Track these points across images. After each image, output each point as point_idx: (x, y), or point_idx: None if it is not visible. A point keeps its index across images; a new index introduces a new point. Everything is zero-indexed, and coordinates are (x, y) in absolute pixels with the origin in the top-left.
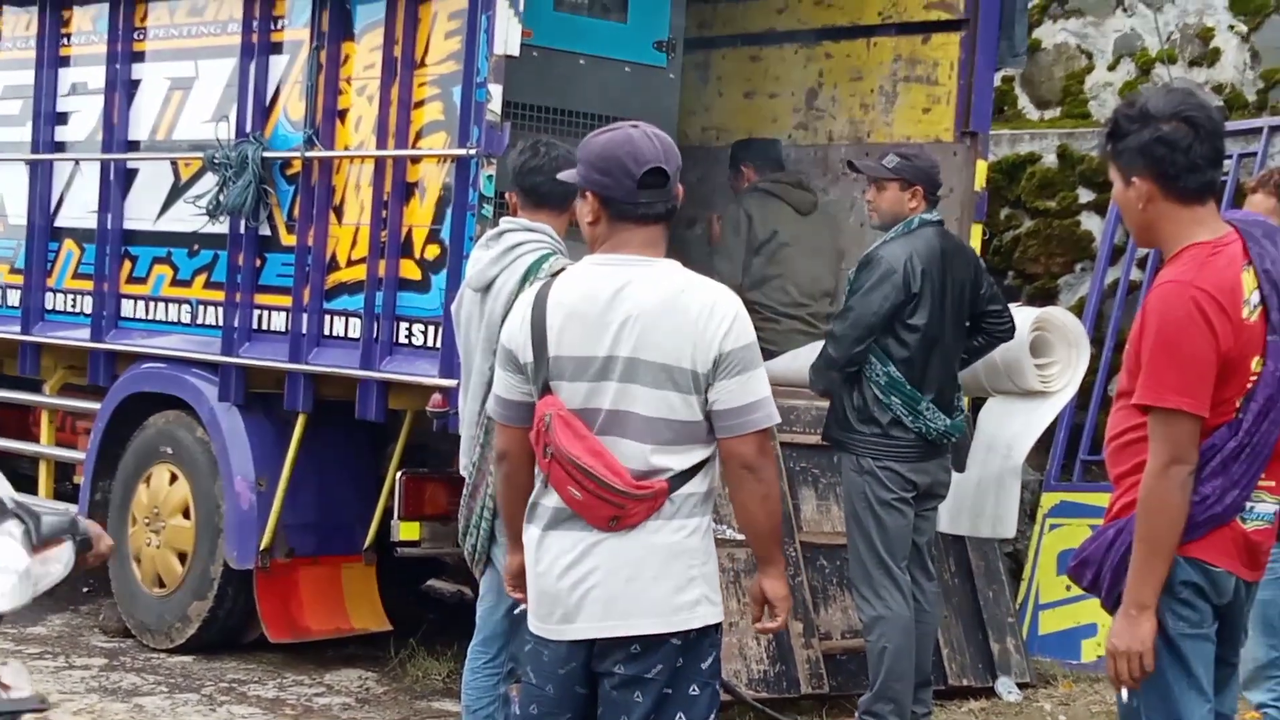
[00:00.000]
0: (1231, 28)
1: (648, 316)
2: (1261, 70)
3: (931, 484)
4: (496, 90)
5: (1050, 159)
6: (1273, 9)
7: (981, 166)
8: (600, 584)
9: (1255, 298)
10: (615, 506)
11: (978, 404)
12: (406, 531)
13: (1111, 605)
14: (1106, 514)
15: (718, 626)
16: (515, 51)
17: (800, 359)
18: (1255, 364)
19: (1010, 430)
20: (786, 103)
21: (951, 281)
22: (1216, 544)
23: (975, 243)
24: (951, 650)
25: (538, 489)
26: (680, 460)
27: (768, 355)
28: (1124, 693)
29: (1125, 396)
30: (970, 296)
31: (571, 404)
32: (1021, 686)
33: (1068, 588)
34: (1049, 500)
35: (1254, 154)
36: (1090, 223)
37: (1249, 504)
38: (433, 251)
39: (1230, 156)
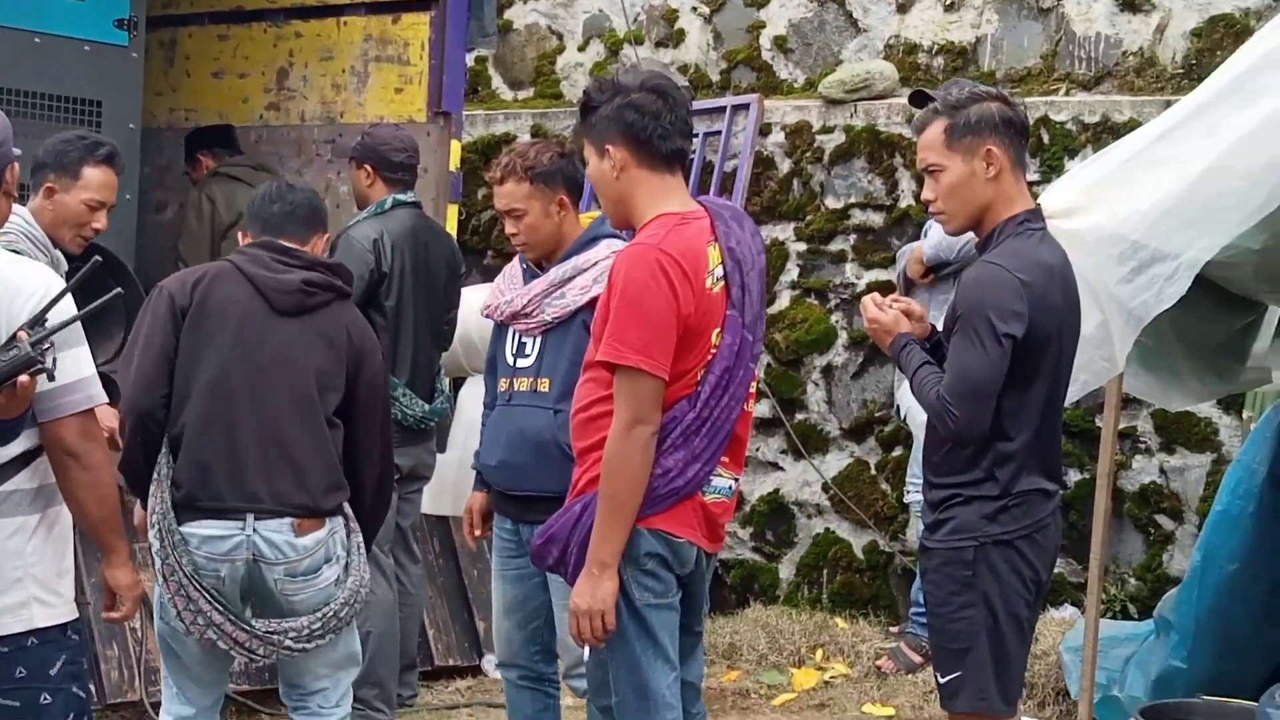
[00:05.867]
0: (694, 9)
1: None
2: (724, 51)
3: (415, 466)
4: None
5: (525, 139)
6: None
7: (455, 147)
8: None
9: (719, 271)
10: None
11: (458, 384)
12: None
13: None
14: (571, 489)
15: (65, 628)
16: None
17: None
18: (715, 336)
19: None
20: (257, 82)
21: (428, 263)
22: (679, 516)
23: (451, 223)
24: (437, 631)
25: None
26: None
27: None
28: (587, 650)
29: (591, 368)
30: (448, 280)
31: None
32: None
33: None
34: None
35: (718, 132)
36: None
37: (710, 477)
38: None
39: (697, 135)
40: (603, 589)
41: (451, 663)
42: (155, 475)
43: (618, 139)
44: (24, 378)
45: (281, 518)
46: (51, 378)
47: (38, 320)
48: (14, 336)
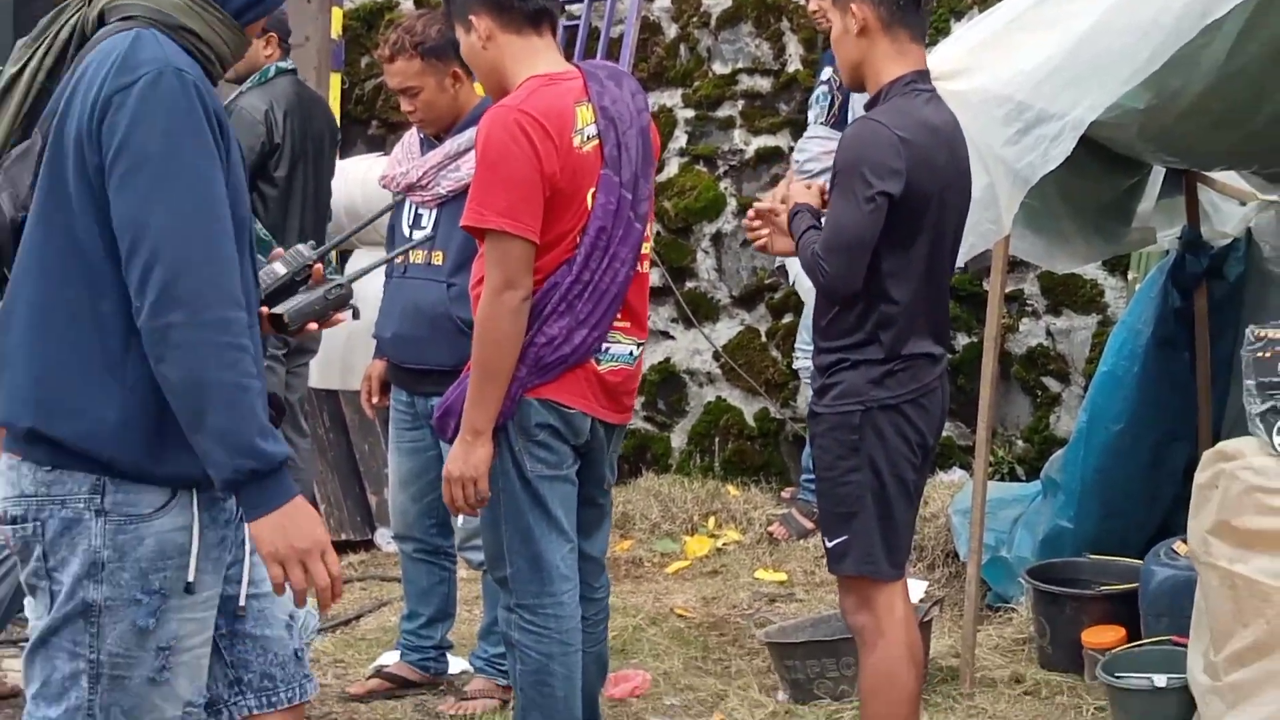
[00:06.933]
0: None
1: None
2: None
3: (302, 340)
4: None
5: (409, 6)
6: None
7: (337, 14)
8: None
9: (591, 130)
10: None
11: (345, 256)
12: None
13: None
14: (469, 364)
15: None
16: None
17: None
18: (590, 198)
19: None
20: None
21: (312, 131)
22: (569, 385)
23: (335, 92)
24: (329, 505)
25: None
26: None
27: None
28: (460, 519)
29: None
30: (329, 148)
31: None
32: None
33: None
34: None
35: None
36: None
37: (605, 345)
38: None
39: (582, 1)
40: (475, 455)
41: (344, 537)
42: None
43: (478, 7)
44: (340, 314)
45: None
46: (356, 316)
47: (323, 255)
48: (307, 268)
